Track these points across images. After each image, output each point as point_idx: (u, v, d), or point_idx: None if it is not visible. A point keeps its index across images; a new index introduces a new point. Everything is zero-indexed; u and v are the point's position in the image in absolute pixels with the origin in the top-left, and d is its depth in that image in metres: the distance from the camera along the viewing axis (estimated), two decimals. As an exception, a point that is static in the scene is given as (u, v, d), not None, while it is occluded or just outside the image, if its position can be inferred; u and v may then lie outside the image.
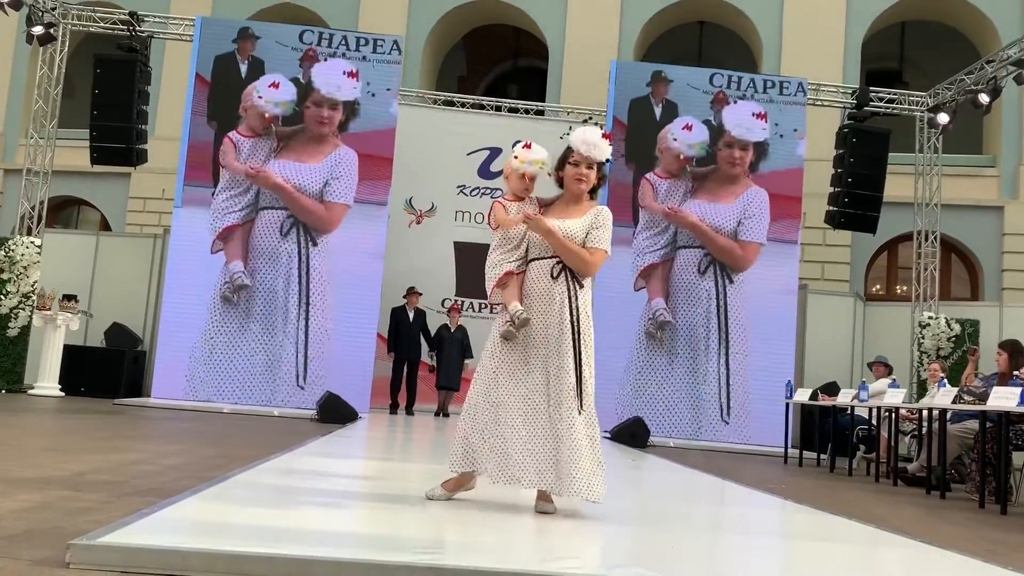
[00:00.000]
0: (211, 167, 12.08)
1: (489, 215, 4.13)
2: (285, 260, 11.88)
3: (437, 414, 12.67)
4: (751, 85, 12.75)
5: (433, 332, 12.75)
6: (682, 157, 12.53)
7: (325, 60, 12.31)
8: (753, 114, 12.59)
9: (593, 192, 4.02)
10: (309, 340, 11.74)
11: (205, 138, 12.13)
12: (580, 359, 3.80)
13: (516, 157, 4.05)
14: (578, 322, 3.83)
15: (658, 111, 12.73)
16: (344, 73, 12.21)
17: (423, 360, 12.76)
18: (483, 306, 13.54)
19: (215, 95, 12.20)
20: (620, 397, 11.83)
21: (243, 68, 12.29)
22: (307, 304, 11.84)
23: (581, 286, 3.90)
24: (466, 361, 12.55)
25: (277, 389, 11.61)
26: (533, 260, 3.96)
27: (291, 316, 11.78)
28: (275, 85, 12.19)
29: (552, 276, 3.89)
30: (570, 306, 3.84)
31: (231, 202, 12.00)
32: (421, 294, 12.83)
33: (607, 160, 3.99)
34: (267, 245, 11.93)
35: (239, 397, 11.47)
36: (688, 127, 12.59)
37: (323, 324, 11.79)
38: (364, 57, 12.35)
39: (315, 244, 11.93)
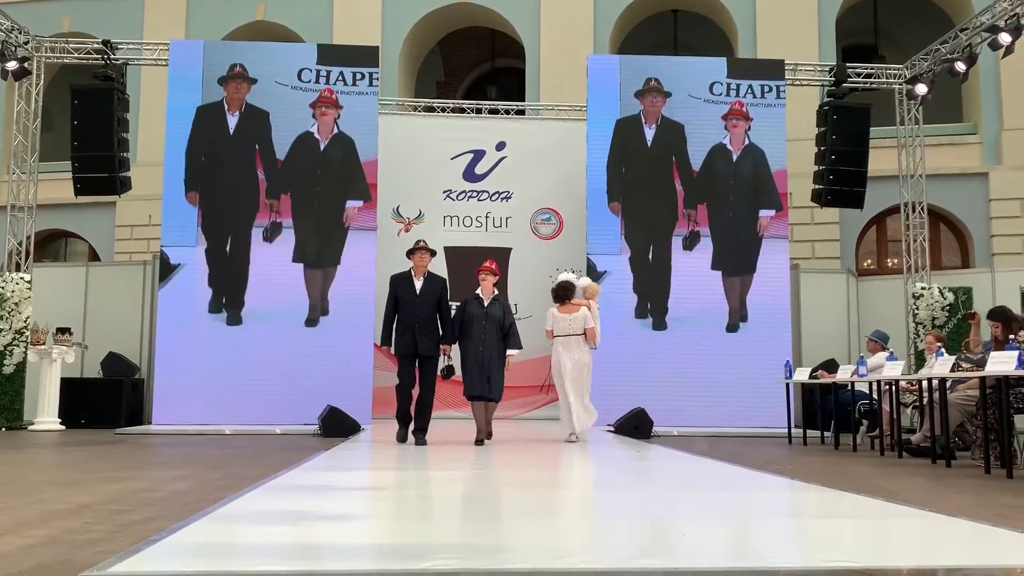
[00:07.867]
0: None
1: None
2: (288, 282, 12.00)
3: (479, 442, 8.21)
4: (735, 90, 12.64)
5: (455, 309, 8.60)
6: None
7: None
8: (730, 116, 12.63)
9: None
10: (310, 357, 11.74)
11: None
12: None
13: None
14: None
15: (650, 134, 12.57)
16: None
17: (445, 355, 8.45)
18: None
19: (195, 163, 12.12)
20: (621, 390, 11.81)
21: (231, 120, 12.18)
22: (309, 321, 11.92)
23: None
24: (510, 353, 8.34)
25: (278, 407, 11.54)
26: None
27: (292, 333, 11.81)
28: None
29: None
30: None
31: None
32: (434, 252, 8.69)
33: None
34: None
35: (240, 417, 11.41)
36: None
37: (320, 339, 11.80)
38: (343, 92, 12.39)
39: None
